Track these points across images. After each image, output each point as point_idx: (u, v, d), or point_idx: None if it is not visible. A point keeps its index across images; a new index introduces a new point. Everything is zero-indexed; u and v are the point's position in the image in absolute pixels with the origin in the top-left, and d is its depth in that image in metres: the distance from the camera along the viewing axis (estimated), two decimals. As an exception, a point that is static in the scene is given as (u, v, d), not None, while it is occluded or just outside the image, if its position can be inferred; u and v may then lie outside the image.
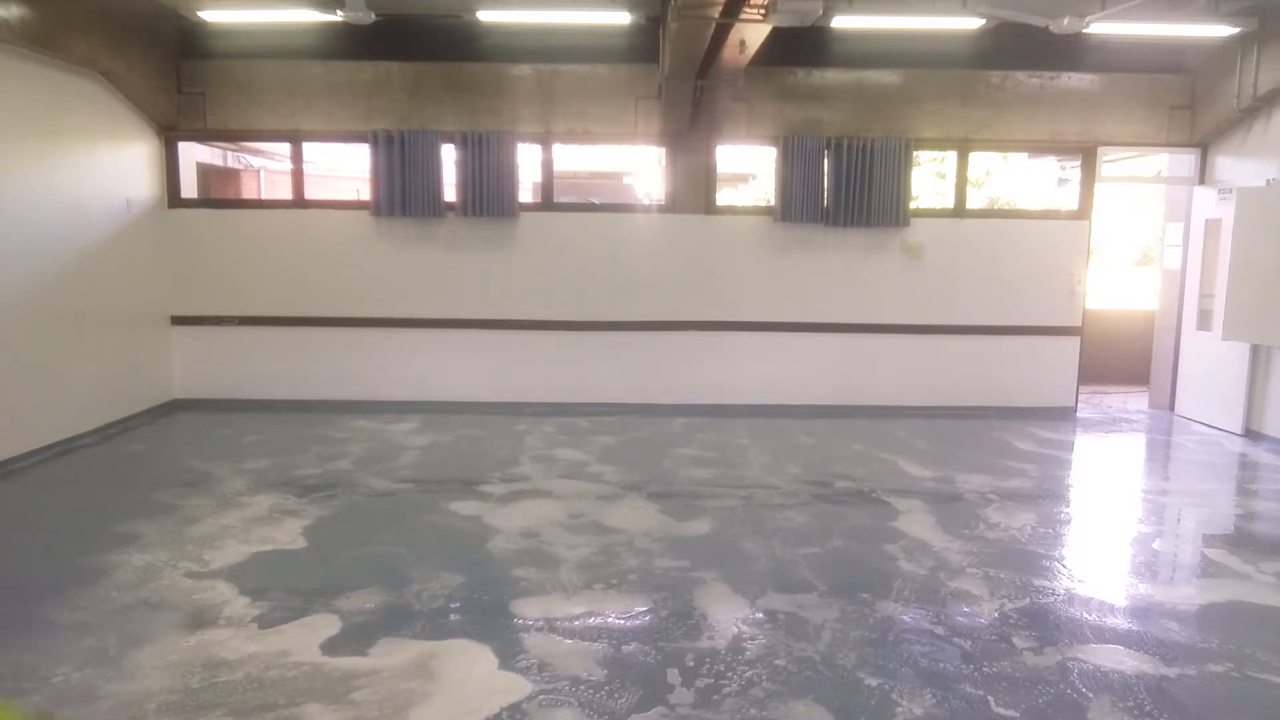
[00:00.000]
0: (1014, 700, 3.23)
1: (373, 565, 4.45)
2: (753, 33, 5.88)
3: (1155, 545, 5.08)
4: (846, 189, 7.89)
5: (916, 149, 8.12)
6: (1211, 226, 7.92)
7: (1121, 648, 3.67)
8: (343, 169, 13.38)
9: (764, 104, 7.99)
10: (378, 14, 6.56)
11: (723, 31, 5.93)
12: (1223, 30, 6.94)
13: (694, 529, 5.05)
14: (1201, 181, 8.20)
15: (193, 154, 8.62)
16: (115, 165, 7.29)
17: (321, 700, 3.18)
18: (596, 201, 10.51)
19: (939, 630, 3.80)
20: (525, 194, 8.83)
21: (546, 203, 8.36)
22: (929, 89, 8.06)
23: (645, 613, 3.94)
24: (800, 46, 7.50)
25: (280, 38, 7.67)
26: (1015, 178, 15.54)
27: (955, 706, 3.19)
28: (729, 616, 3.91)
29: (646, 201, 11.05)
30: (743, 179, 16.12)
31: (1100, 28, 6.43)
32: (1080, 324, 8.35)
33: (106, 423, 7.10)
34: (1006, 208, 13.92)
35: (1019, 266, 8.23)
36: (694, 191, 8.12)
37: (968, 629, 3.83)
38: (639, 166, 14.98)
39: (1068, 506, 5.81)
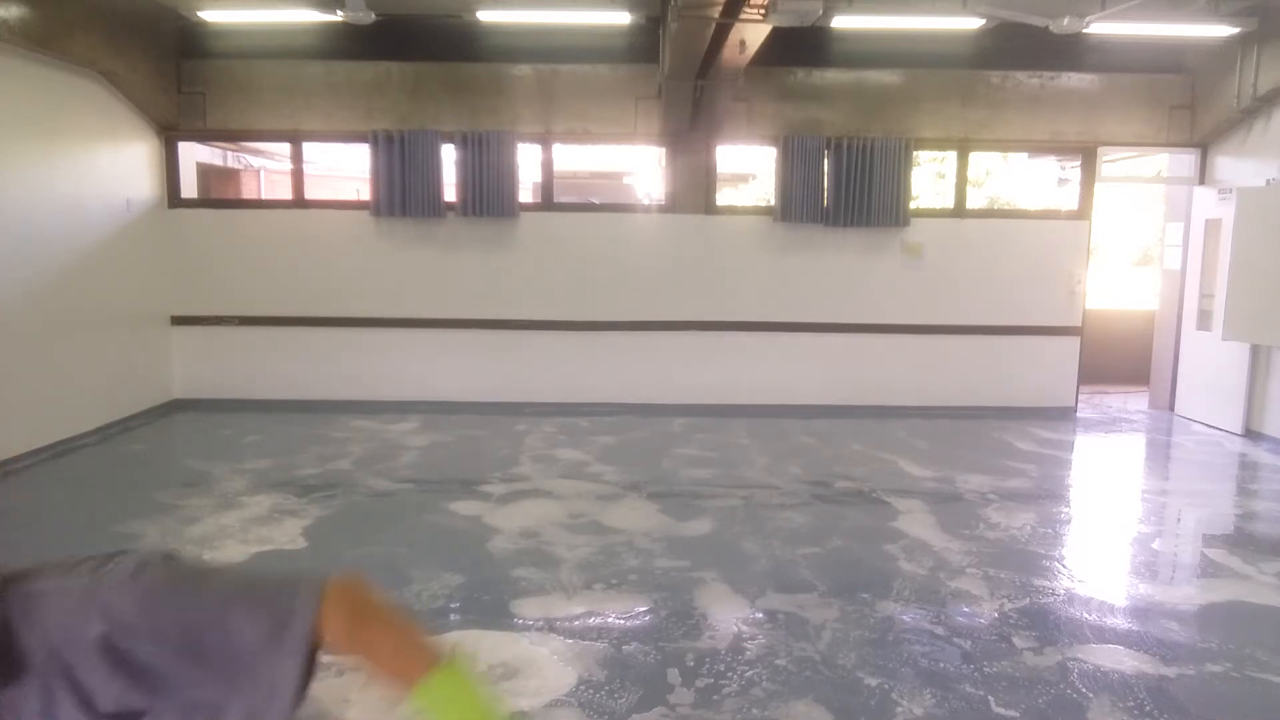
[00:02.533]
0: (1014, 700, 3.23)
1: (373, 565, 4.45)
2: (753, 33, 5.88)
3: (1155, 545, 5.08)
4: (846, 189, 7.89)
5: (916, 149, 8.12)
6: (1211, 226, 7.91)
7: (1121, 648, 3.67)
8: (343, 169, 13.37)
9: (764, 104, 7.99)
10: (378, 14, 6.56)
11: (723, 31, 5.93)
12: (1223, 30, 6.94)
13: (694, 529, 5.06)
14: (1201, 181, 8.20)
15: (193, 154, 8.62)
16: (115, 165, 7.29)
17: (322, 699, 3.18)
18: (596, 201, 10.51)
19: (939, 630, 3.80)
20: (525, 194, 8.83)
21: (546, 203, 8.36)
22: (929, 89, 8.06)
23: (645, 613, 3.94)
24: (800, 46, 7.50)
25: (280, 38, 7.66)
26: (1015, 178, 15.53)
27: (955, 706, 3.19)
28: (729, 616, 3.91)
29: (646, 201, 11.05)
30: (743, 179, 16.11)
31: (1100, 28, 6.42)
32: (1080, 324, 8.35)
33: (106, 423, 7.10)
34: (1006, 208, 13.91)
35: (1019, 266, 8.22)
36: (694, 191, 8.12)
37: (968, 629, 3.83)
38: (639, 166, 14.97)
39: (1068, 506, 5.81)
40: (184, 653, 0.97)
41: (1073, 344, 8.35)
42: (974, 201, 11.46)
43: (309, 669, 0.99)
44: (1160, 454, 7.50)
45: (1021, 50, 7.77)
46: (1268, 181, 7.27)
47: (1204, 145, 8.16)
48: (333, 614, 1.01)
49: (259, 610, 1.00)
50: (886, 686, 3.32)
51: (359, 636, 1.04)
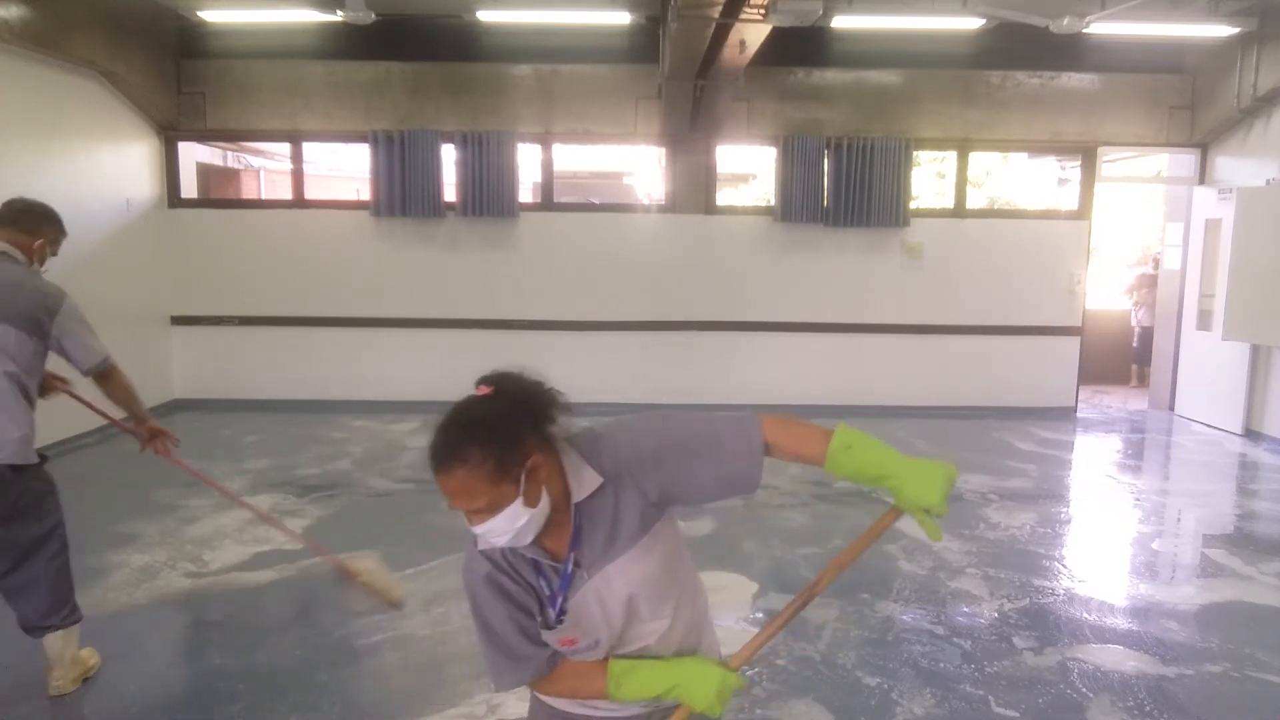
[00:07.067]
0: (1014, 700, 3.23)
1: (373, 565, 4.44)
2: (753, 33, 5.88)
3: (1155, 545, 5.08)
4: (846, 189, 7.89)
5: (916, 149, 8.12)
6: (1211, 226, 7.91)
7: (1121, 648, 3.67)
8: (343, 169, 13.37)
9: (764, 104, 7.99)
10: (378, 14, 6.55)
11: (723, 31, 5.93)
12: (1223, 30, 6.94)
13: (694, 529, 5.05)
14: (1201, 181, 8.20)
15: (193, 154, 8.62)
16: (115, 165, 7.28)
17: (324, 698, 3.18)
18: (596, 201, 10.51)
19: (939, 630, 3.80)
20: (525, 194, 8.83)
21: (546, 203, 8.36)
22: (929, 89, 8.05)
23: (645, 613, 3.93)
24: (800, 46, 7.50)
25: (280, 38, 7.66)
26: (1015, 178, 15.51)
27: (955, 706, 3.19)
28: (729, 616, 3.91)
29: (646, 201, 11.05)
30: (743, 179, 16.09)
31: (1100, 28, 6.42)
32: (1080, 324, 8.35)
33: (106, 423, 7.08)
34: (1006, 208, 13.91)
35: (1019, 266, 8.22)
36: (694, 191, 8.11)
37: (968, 629, 3.83)
38: (639, 166, 14.96)
39: (1068, 506, 5.81)
40: (690, 452, 1.60)
41: (1073, 344, 8.35)
42: (974, 201, 11.46)
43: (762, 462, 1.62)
44: (1160, 454, 7.50)
45: (1021, 50, 7.77)
46: (1268, 181, 7.27)
47: (1204, 145, 8.16)
48: (769, 429, 1.65)
49: (733, 426, 1.62)
50: (886, 686, 3.32)
51: (784, 439, 1.66)
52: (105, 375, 3.17)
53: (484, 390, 1.59)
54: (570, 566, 1.59)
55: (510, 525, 1.48)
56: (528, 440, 1.51)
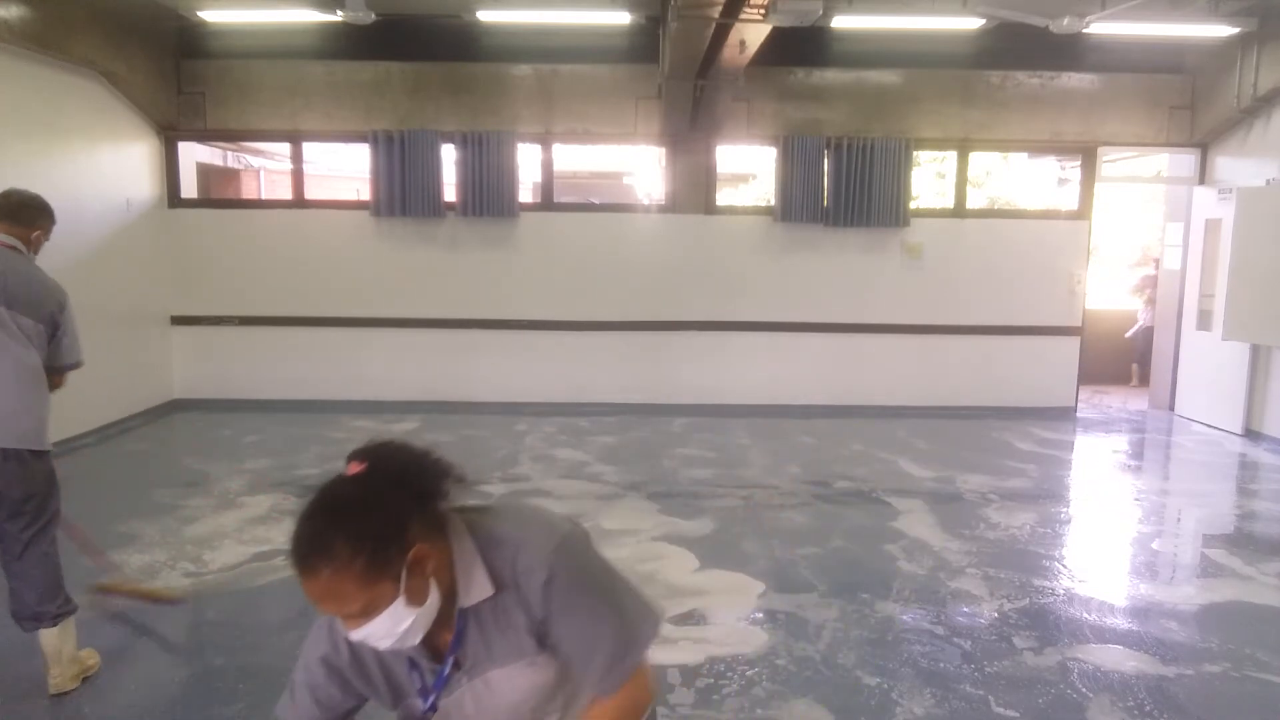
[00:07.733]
0: (1014, 700, 3.23)
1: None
2: (753, 33, 5.88)
3: (1155, 545, 5.08)
4: (846, 189, 7.88)
5: (916, 149, 8.12)
6: (1211, 226, 7.91)
7: (1121, 648, 3.67)
8: (343, 169, 13.36)
9: (764, 104, 7.99)
10: (378, 14, 6.55)
11: (723, 31, 5.93)
12: (1223, 30, 6.94)
13: (694, 529, 5.05)
14: (1201, 181, 8.20)
15: (193, 154, 8.62)
16: (115, 165, 7.28)
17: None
18: (596, 201, 10.51)
19: (939, 630, 3.80)
20: (525, 194, 8.83)
21: (546, 203, 8.36)
22: (929, 89, 8.05)
23: (645, 613, 3.93)
24: (800, 46, 7.50)
25: (280, 38, 7.66)
26: (1015, 178, 15.51)
27: (955, 706, 3.19)
28: (729, 616, 3.91)
29: (646, 201, 11.05)
30: (743, 179, 16.09)
31: (1100, 28, 6.42)
32: (1080, 324, 8.35)
33: (106, 423, 7.10)
34: (1006, 208, 13.90)
35: (1019, 266, 8.22)
36: (694, 191, 8.11)
37: (968, 629, 3.83)
38: (639, 166, 14.96)
39: (1068, 506, 5.81)
40: (570, 616, 1.39)
41: (1073, 344, 8.34)
42: (974, 201, 11.46)
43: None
44: (1160, 454, 7.50)
45: (1021, 50, 7.77)
46: (1268, 181, 7.27)
47: (1204, 145, 8.16)
48: (637, 676, 1.44)
49: (620, 629, 1.42)
50: (886, 686, 3.32)
51: (623, 706, 1.43)
52: (69, 371, 3.47)
53: (355, 467, 1.31)
54: (448, 669, 1.41)
55: (392, 628, 1.28)
56: (410, 526, 1.28)
